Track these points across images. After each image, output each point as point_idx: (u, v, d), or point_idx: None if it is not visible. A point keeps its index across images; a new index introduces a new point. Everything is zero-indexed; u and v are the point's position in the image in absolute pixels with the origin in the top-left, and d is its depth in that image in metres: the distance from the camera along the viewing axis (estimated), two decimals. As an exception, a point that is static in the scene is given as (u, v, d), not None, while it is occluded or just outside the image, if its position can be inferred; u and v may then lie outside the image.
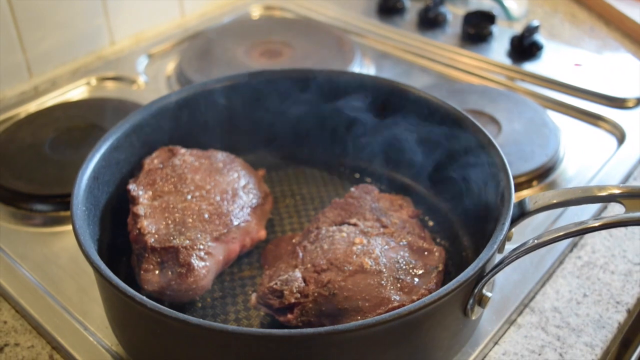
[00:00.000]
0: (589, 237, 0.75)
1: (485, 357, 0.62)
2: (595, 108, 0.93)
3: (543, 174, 0.81)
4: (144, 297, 0.48)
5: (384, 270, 0.57)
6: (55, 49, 1.02)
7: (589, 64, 1.01)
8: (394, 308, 0.53)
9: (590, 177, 0.82)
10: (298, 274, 0.58)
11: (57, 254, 0.73)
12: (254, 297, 0.59)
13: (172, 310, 0.47)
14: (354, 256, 0.58)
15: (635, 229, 0.76)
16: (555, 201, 0.55)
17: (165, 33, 1.13)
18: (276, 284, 0.57)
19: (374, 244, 0.59)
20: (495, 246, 0.52)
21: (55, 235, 0.75)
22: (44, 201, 0.78)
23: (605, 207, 0.78)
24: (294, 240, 0.64)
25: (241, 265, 0.68)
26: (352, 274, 0.56)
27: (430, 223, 0.72)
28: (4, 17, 0.93)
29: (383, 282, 0.56)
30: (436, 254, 0.61)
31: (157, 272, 0.60)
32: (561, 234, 0.51)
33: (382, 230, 0.62)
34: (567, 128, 0.90)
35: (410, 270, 0.58)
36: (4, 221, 0.77)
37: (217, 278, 0.66)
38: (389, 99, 0.71)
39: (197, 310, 0.64)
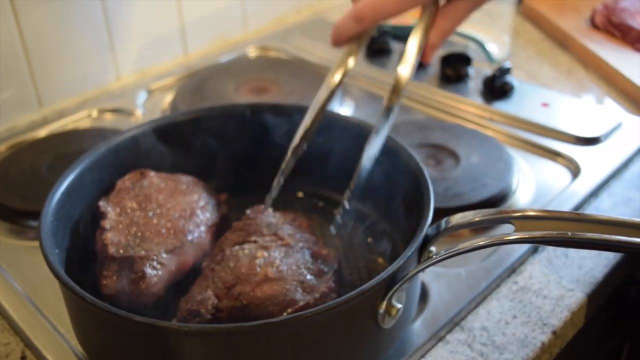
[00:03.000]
0: (528, 264, 0.80)
1: (409, 367, 0.67)
2: (555, 145, 0.98)
3: (494, 204, 0.87)
4: (83, 291, 0.56)
5: (286, 276, 0.64)
6: (64, 83, 1.12)
7: (557, 104, 1.07)
8: (300, 308, 0.60)
9: (539, 208, 0.87)
10: (210, 292, 0.64)
11: (41, 264, 0.80)
12: (174, 322, 0.65)
13: (98, 300, 0.55)
14: (258, 268, 0.65)
15: (576, 256, 0.80)
16: (465, 221, 0.61)
17: (168, 70, 1.23)
18: (192, 305, 0.64)
19: (274, 255, 0.66)
20: (402, 261, 0.58)
21: (42, 248, 0.84)
22: (36, 217, 0.87)
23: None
24: (203, 265, 0.71)
25: (195, 275, 0.75)
26: (258, 283, 0.63)
27: (369, 239, 0.78)
28: (18, 55, 1.04)
29: (287, 286, 0.63)
30: (330, 255, 0.68)
31: (114, 278, 0.68)
32: (456, 250, 0.56)
33: (279, 242, 0.69)
34: (525, 163, 0.95)
35: (309, 273, 0.65)
36: (1, 235, 0.86)
37: (173, 286, 0.72)
38: (334, 129, 0.79)
39: (152, 314, 0.71)
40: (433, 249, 0.64)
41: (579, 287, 0.76)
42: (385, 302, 0.59)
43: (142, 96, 1.15)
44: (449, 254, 0.57)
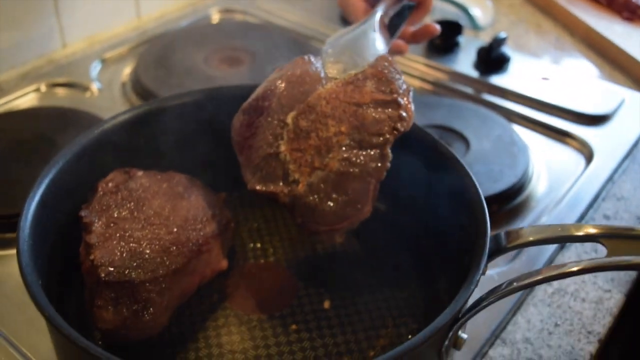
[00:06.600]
0: (558, 263, 0.73)
1: (457, 393, 0.60)
2: (563, 124, 0.92)
3: (512, 194, 0.80)
4: (87, 341, 0.45)
5: None
6: (2, 52, 0.95)
7: (556, 78, 1.00)
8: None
9: (559, 198, 0.80)
10: None
11: (2, 281, 0.68)
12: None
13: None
14: None
15: (605, 251, 0.75)
16: (532, 239, 0.53)
17: (120, 36, 1.08)
18: None
19: None
20: (472, 287, 0.50)
21: (0, 260, 0.70)
22: (-9, 220, 0.73)
23: (562, 246, 0.76)
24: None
25: (201, 297, 0.64)
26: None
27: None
28: (-55, 19, 0.87)
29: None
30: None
31: (111, 308, 0.56)
32: (539, 277, 0.49)
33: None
34: (535, 145, 0.88)
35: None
36: (-54, 242, 0.72)
37: (175, 312, 0.62)
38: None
39: (156, 348, 0.60)
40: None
41: (616, 287, 0.71)
42: (451, 335, 0.51)
43: (95, 67, 1.00)
44: (530, 282, 0.49)
